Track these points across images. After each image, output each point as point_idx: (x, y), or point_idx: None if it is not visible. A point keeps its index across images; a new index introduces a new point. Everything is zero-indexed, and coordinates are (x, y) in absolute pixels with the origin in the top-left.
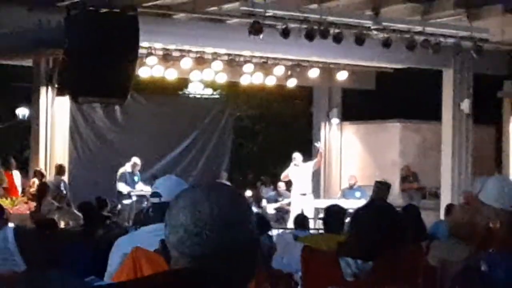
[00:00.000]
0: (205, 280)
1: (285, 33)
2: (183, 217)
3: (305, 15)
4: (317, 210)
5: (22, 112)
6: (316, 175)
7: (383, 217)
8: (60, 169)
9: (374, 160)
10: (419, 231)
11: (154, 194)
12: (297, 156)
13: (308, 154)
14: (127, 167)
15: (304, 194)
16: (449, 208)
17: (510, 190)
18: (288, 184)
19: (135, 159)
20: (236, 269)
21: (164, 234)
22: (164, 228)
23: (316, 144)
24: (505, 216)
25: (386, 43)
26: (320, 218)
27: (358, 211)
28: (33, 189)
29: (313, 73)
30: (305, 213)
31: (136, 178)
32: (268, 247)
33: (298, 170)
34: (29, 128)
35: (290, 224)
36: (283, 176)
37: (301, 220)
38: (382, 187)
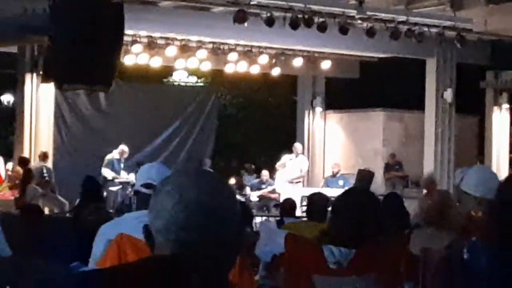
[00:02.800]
0: (189, 266)
1: (270, 22)
2: (169, 203)
3: (290, 3)
4: (301, 198)
5: (6, 98)
6: None
7: (363, 205)
8: (44, 156)
9: (357, 148)
10: (402, 220)
11: (148, 186)
12: (298, 146)
13: (292, 143)
14: (114, 154)
15: (292, 182)
16: None
17: (491, 179)
18: (272, 172)
19: (123, 147)
20: (219, 255)
21: (149, 220)
22: (148, 214)
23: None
24: (486, 204)
25: (370, 32)
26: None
27: (339, 198)
28: (15, 175)
29: (297, 62)
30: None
31: (121, 165)
32: (251, 234)
33: (294, 160)
34: (13, 114)
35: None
36: (280, 164)
37: (288, 207)
38: (365, 176)
